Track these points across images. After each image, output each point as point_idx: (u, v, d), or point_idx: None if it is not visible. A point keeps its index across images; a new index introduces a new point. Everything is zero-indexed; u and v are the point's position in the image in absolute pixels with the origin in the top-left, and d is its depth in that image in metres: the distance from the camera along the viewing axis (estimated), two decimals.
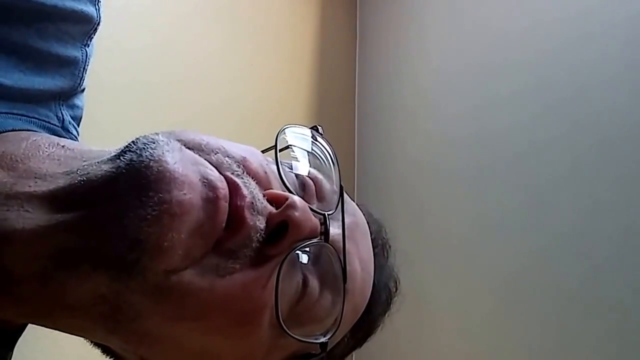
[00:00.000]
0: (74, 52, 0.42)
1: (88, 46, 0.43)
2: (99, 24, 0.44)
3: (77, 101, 0.44)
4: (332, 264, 0.36)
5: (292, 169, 0.38)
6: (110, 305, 0.30)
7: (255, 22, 1.16)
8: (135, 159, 0.29)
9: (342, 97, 1.37)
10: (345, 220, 0.37)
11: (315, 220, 0.34)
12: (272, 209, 0.33)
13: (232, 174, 0.32)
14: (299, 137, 0.40)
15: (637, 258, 0.90)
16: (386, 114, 1.33)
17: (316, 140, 0.40)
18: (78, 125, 0.44)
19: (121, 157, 0.30)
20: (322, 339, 0.36)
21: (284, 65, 1.22)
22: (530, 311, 1.01)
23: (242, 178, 0.32)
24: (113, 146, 0.33)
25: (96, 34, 0.44)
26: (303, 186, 0.37)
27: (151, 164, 0.29)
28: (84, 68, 0.43)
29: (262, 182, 0.34)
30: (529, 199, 1.04)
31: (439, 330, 1.13)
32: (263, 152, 0.38)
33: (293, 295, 0.35)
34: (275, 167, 0.36)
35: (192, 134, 0.33)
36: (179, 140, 0.32)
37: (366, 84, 1.39)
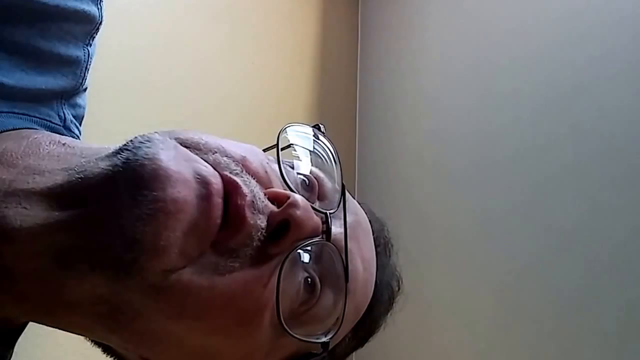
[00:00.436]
0: (76, 52, 0.42)
1: (90, 46, 0.43)
2: (101, 23, 0.44)
3: (79, 100, 0.44)
4: (334, 263, 0.36)
5: (293, 167, 0.38)
6: (109, 305, 0.30)
7: (256, 21, 1.16)
8: (131, 157, 0.29)
9: (343, 96, 1.36)
10: (347, 219, 0.37)
11: (317, 219, 0.34)
12: (274, 208, 0.33)
13: (231, 172, 0.32)
14: (301, 136, 0.39)
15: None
16: (387, 112, 1.33)
17: (318, 138, 0.40)
18: (80, 124, 0.44)
19: (118, 155, 0.30)
20: (324, 339, 0.35)
21: (286, 64, 1.22)
22: (533, 310, 1.01)
23: (242, 177, 0.32)
24: (113, 144, 0.33)
25: (98, 33, 0.44)
26: (305, 185, 0.37)
27: (145, 162, 0.29)
28: (86, 67, 0.43)
29: (263, 181, 0.34)
30: (531, 196, 1.04)
31: (439, 329, 1.12)
32: (265, 150, 0.38)
33: (294, 294, 0.34)
34: (276, 166, 0.36)
35: (191, 133, 0.33)
36: (175, 139, 0.32)
37: (368, 82, 1.39)
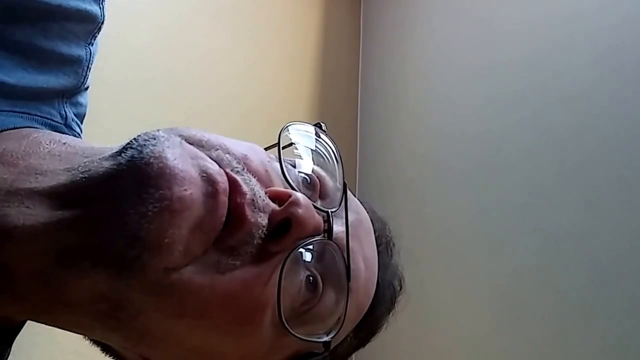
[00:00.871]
0: (78, 51, 0.42)
1: (92, 45, 0.44)
2: (103, 22, 0.44)
3: (80, 99, 0.44)
4: (335, 262, 0.36)
5: (295, 166, 0.38)
6: (110, 303, 0.30)
7: (258, 20, 1.16)
8: (136, 155, 0.29)
9: (345, 95, 1.36)
10: (349, 217, 0.37)
11: (319, 218, 0.34)
12: (275, 206, 0.33)
13: (232, 170, 0.32)
14: (302, 135, 0.39)
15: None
16: (389, 112, 1.33)
17: (320, 137, 0.40)
18: (81, 123, 0.44)
19: (122, 154, 0.30)
20: (325, 338, 0.35)
21: (287, 63, 1.23)
22: (534, 310, 1.00)
23: (242, 175, 0.32)
24: (116, 143, 0.33)
25: (100, 32, 0.44)
26: (306, 183, 0.37)
27: (151, 160, 0.28)
28: (87, 66, 0.43)
29: (263, 180, 0.34)
30: (533, 196, 1.04)
31: (439, 328, 1.12)
32: (266, 149, 0.38)
33: (296, 293, 0.34)
34: (278, 164, 0.35)
35: (193, 131, 0.33)
36: (180, 136, 0.32)
37: (369, 81, 1.39)
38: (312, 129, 0.40)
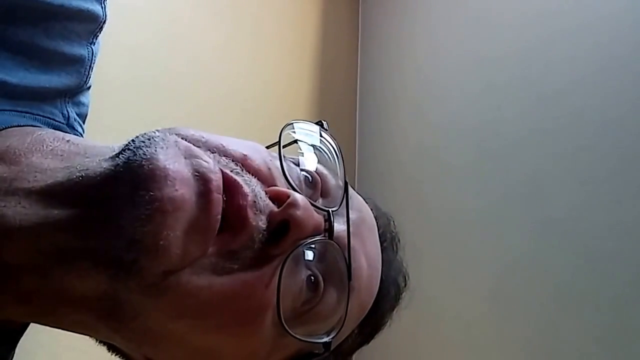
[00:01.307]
0: (80, 51, 0.42)
1: (94, 44, 0.44)
2: (104, 22, 0.44)
3: (82, 99, 0.44)
4: (337, 262, 0.35)
5: (297, 164, 0.38)
6: (112, 302, 0.30)
7: (257, 17, 1.16)
8: (132, 157, 0.29)
9: (344, 92, 1.36)
10: (351, 216, 0.37)
11: (318, 218, 0.34)
12: (274, 207, 0.32)
13: (231, 172, 0.31)
14: (304, 133, 0.39)
15: (637, 253, 0.89)
16: (388, 107, 1.33)
17: (321, 135, 0.40)
18: (83, 123, 0.44)
19: (120, 156, 0.30)
20: (326, 339, 0.35)
21: (286, 60, 1.22)
22: (533, 303, 1.00)
23: (242, 176, 0.32)
24: (116, 142, 0.33)
25: (102, 31, 0.44)
26: (308, 182, 0.37)
27: (143, 162, 0.28)
28: (90, 66, 0.43)
29: (266, 179, 0.34)
30: (533, 189, 1.04)
31: (439, 325, 1.12)
32: (268, 147, 0.38)
33: (297, 292, 0.34)
34: (279, 163, 0.35)
35: (191, 130, 0.33)
36: (176, 135, 0.32)
37: (368, 78, 1.39)
38: (314, 127, 0.40)
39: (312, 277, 0.35)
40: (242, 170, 0.32)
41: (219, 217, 0.30)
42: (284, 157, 0.35)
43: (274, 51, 1.19)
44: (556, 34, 1.05)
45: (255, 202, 0.31)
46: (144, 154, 0.29)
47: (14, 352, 0.38)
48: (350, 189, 0.39)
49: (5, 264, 0.30)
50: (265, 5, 1.18)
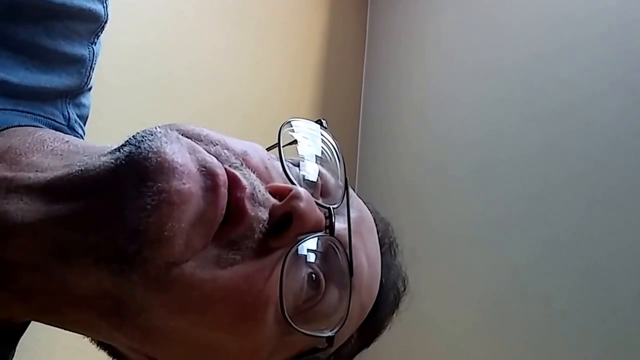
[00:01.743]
0: (81, 51, 0.43)
1: (95, 44, 0.44)
2: (106, 22, 0.44)
3: (83, 100, 0.44)
4: (338, 259, 0.35)
5: (297, 164, 0.38)
6: (114, 299, 0.30)
7: (262, 22, 1.16)
8: (134, 150, 0.29)
9: (347, 99, 1.36)
10: (351, 214, 0.37)
11: (320, 214, 0.34)
12: (276, 201, 0.33)
13: (230, 166, 0.32)
14: (303, 131, 0.39)
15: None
16: (392, 113, 1.32)
17: (321, 134, 0.40)
18: (84, 124, 0.44)
19: (120, 150, 0.30)
20: (329, 333, 0.35)
21: (291, 63, 1.22)
22: (528, 321, 0.99)
23: (241, 170, 0.32)
24: (116, 143, 0.33)
25: (103, 31, 0.44)
26: (308, 181, 0.37)
27: (150, 155, 0.28)
28: (91, 66, 0.43)
29: (263, 177, 0.34)
30: (535, 204, 1.03)
31: (433, 335, 1.11)
32: (268, 149, 0.38)
33: (298, 290, 0.34)
34: (278, 163, 0.35)
35: (192, 126, 0.33)
36: (177, 131, 0.32)
37: (373, 83, 1.38)
38: (313, 126, 0.40)
39: (313, 275, 0.35)
40: (242, 165, 0.33)
41: (224, 210, 0.30)
42: (284, 157, 0.35)
43: (278, 56, 1.19)
44: (568, 45, 1.04)
45: (253, 194, 0.31)
46: (149, 147, 0.29)
47: (14, 352, 0.38)
48: (350, 190, 0.39)
49: (8, 261, 0.30)
50: (270, 10, 1.18)
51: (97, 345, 0.38)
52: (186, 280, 0.29)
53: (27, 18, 0.39)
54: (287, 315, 0.32)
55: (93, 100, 0.45)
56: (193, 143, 0.31)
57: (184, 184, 0.28)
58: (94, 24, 0.43)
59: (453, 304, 1.10)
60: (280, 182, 0.34)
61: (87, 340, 0.37)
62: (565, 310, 0.95)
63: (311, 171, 0.37)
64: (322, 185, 0.38)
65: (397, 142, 1.29)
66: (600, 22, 1.01)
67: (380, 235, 0.42)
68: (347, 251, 0.35)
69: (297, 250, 0.33)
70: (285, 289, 0.32)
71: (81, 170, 0.30)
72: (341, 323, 0.35)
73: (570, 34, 1.04)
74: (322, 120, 0.40)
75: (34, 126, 0.38)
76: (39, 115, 0.40)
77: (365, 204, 0.43)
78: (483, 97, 1.15)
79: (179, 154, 0.29)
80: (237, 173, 0.31)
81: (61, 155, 0.34)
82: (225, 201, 0.30)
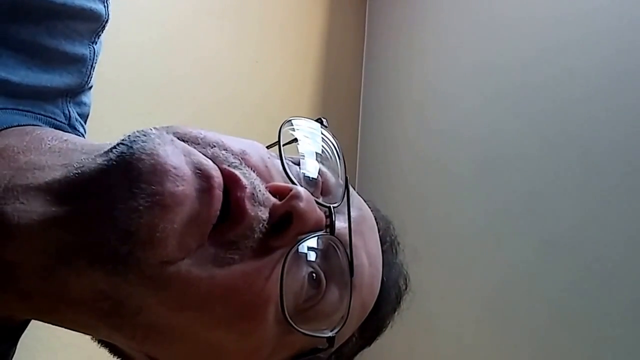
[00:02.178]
0: (82, 50, 0.42)
1: (96, 44, 0.44)
2: (107, 21, 0.44)
3: (84, 98, 0.44)
4: (338, 258, 0.35)
5: (297, 163, 0.38)
6: (111, 300, 0.29)
7: (262, 19, 1.15)
8: (125, 151, 0.29)
9: (347, 94, 1.35)
10: (352, 213, 0.37)
11: (321, 213, 0.34)
12: (276, 201, 0.32)
13: (229, 166, 0.31)
14: (304, 130, 0.39)
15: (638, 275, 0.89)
16: (391, 111, 1.32)
17: (321, 133, 0.40)
18: (85, 123, 0.44)
19: (113, 150, 0.30)
20: (330, 334, 0.35)
21: (291, 61, 1.22)
22: (528, 317, 0.99)
23: (241, 169, 0.32)
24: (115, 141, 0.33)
25: (104, 31, 0.44)
26: (308, 180, 0.37)
27: (142, 156, 0.28)
28: (91, 65, 0.43)
29: (263, 176, 0.33)
30: (535, 202, 1.02)
31: (434, 333, 1.11)
32: (268, 147, 0.38)
33: (299, 289, 0.34)
34: (278, 161, 0.35)
35: (189, 128, 0.33)
36: (173, 134, 0.32)
37: (372, 80, 1.38)
38: (313, 124, 0.40)
39: (314, 275, 0.35)
40: (241, 164, 0.32)
41: (218, 212, 0.30)
42: (284, 156, 0.35)
43: (278, 53, 1.19)
44: (568, 43, 1.03)
45: (253, 193, 0.31)
46: (142, 148, 0.29)
47: (15, 349, 0.38)
48: (351, 189, 0.39)
49: (6, 262, 0.30)
50: (269, 7, 1.18)
51: (99, 343, 0.38)
52: (182, 278, 0.29)
53: (28, 18, 0.39)
54: (287, 315, 0.32)
55: (94, 98, 0.45)
56: (188, 146, 0.31)
57: (177, 186, 0.28)
58: (94, 23, 0.43)
59: (455, 301, 1.09)
60: (280, 181, 0.34)
61: (88, 338, 0.37)
62: (568, 307, 0.95)
63: (311, 169, 0.37)
64: (322, 183, 0.37)
65: (397, 140, 1.29)
66: (600, 20, 1.00)
67: (382, 234, 0.42)
68: (348, 250, 0.35)
69: (297, 249, 0.33)
70: (286, 289, 0.32)
71: (78, 172, 0.30)
72: (342, 323, 0.35)
73: (570, 32, 1.04)
74: (323, 119, 0.40)
75: (34, 125, 0.38)
76: (39, 114, 0.40)
77: (365, 202, 0.42)
78: (482, 95, 1.15)
79: (172, 156, 0.29)
80: (237, 172, 0.31)
81: (59, 152, 0.33)
82: (220, 203, 0.30)
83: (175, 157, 0.29)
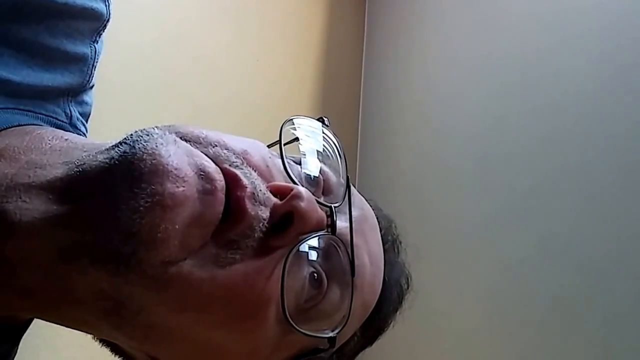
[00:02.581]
0: (83, 49, 0.42)
1: (97, 43, 0.44)
2: (108, 20, 0.44)
3: (85, 98, 0.44)
4: (340, 258, 0.35)
5: (298, 162, 0.38)
6: (113, 300, 0.29)
7: (262, 18, 1.16)
8: (128, 150, 0.29)
9: (347, 93, 1.36)
10: (353, 213, 0.36)
11: (322, 213, 0.34)
12: (277, 200, 0.32)
13: (230, 165, 0.31)
14: (305, 130, 0.39)
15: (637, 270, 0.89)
16: (391, 110, 1.32)
17: (322, 132, 0.40)
18: (86, 122, 0.44)
19: (115, 149, 0.30)
20: (331, 334, 0.35)
21: (291, 60, 1.22)
22: (530, 312, 0.99)
23: (242, 169, 0.32)
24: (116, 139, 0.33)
25: (105, 30, 0.44)
26: (309, 179, 0.37)
27: (144, 156, 0.28)
28: (92, 65, 0.43)
29: (264, 175, 0.33)
30: (535, 199, 1.03)
31: (436, 331, 1.11)
32: (269, 146, 0.38)
33: (300, 289, 0.34)
34: (279, 161, 0.35)
35: (191, 128, 0.33)
36: (175, 133, 0.32)
37: (372, 79, 1.38)
38: (315, 123, 0.40)
39: (315, 274, 0.35)
40: (243, 163, 0.32)
41: (221, 214, 0.30)
42: (285, 155, 0.35)
43: (278, 53, 1.19)
44: (566, 40, 1.04)
45: (254, 193, 0.31)
46: (144, 148, 0.29)
47: (16, 349, 0.38)
48: (352, 188, 0.38)
49: (8, 260, 0.29)
50: (270, 7, 1.18)
51: (100, 342, 0.38)
52: (184, 278, 0.29)
53: (29, 17, 0.39)
54: (288, 315, 0.32)
55: (95, 97, 0.45)
56: (190, 147, 0.31)
57: (177, 187, 0.28)
58: (96, 22, 0.43)
59: (457, 300, 1.10)
60: (281, 180, 0.34)
61: (90, 337, 0.37)
62: (569, 304, 0.95)
63: (313, 168, 0.37)
64: (323, 182, 0.37)
65: (397, 138, 1.29)
66: (599, 17, 1.00)
67: (383, 233, 0.42)
68: (349, 250, 0.35)
69: (298, 249, 0.33)
70: (287, 288, 0.32)
71: (79, 170, 0.30)
72: (343, 322, 0.35)
73: (569, 29, 1.04)
74: (324, 118, 0.40)
75: (35, 125, 0.38)
76: (40, 113, 0.40)
77: (367, 201, 0.42)
78: (482, 92, 1.15)
79: (174, 156, 0.29)
80: (237, 172, 0.31)
81: (60, 151, 0.33)
82: (222, 206, 0.30)
83: (178, 157, 0.29)
